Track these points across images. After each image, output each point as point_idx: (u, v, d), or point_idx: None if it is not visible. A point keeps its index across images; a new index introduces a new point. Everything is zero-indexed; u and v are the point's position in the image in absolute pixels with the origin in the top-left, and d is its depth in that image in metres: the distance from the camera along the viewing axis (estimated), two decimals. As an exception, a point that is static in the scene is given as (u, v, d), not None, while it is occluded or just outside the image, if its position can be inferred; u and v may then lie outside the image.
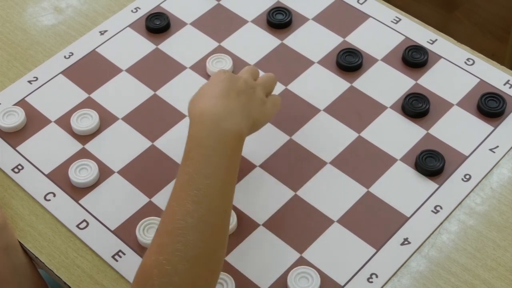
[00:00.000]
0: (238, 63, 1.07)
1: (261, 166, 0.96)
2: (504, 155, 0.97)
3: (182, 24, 1.12)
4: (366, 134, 0.99)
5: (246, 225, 0.91)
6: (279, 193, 0.94)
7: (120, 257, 0.89)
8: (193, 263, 0.73)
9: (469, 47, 1.09)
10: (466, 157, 0.97)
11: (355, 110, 1.02)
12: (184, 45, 1.10)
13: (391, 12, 1.13)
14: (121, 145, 0.99)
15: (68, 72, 1.07)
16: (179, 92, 1.04)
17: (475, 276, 0.87)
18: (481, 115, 1.01)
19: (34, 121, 1.01)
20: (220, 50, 1.09)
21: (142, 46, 1.10)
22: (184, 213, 0.75)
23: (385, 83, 1.05)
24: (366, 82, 1.05)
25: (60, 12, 1.15)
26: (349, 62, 1.06)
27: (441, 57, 1.08)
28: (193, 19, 1.13)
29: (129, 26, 1.12)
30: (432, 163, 0.95)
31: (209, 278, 0.76)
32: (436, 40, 1.10)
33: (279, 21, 1.11)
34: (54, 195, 0.94)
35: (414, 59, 1.06)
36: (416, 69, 1.06)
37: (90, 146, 0.98)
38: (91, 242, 0.90)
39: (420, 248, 0.89)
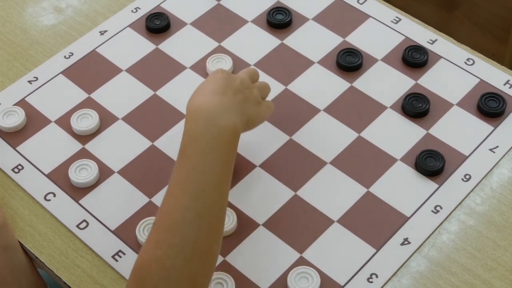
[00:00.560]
0: (238, 63, 1.07)
1: (261, 166, 0.96)
2: (504, 155, 0.97)
3: (182, 24, 1.12)
4: (366, 134, 0.99)
5: (246, 225, 0.91)
6: (279, 193, 0.94)
7: (120, 257, 0.89)
8: (190, 258, 0.74)
9: (469, 47, 1.09)
10: (466, 157, 0.97)
11: (355, 110, 1.02)
12: (184, 45, 1.10)
13: (391, 12, 1.13)
14: (121, 145, 0.99)
15: (68, 72, 1.07)
16: (179, 92, 1.04)
17: (475, 276, 0.87)
18: (481, 115, 1.01)
19: (34, 121, 1.01)
20: (220, 50, 1.09)
21: (142, 46, 1.10)
22: (181, 209, 0.76)
23: (385, 83, 1.05)
24: (366, 82, 1.05)
25: (60, 12, 1.15)
26: (349, 62, 1.06)
27: (441, 57, 1.08)
28: (193, 19, 1.13)
29: (129, 26, 1.12)
30: (432, 163, 0.95)
31: (205, 273, 0.77)
32: (436, 40, 1.10)
33: (279, 21, 1.11)
34: (54, 195, 0.94)
35: (414, 59, 1.06)
36: (416, 69, 1.06)
37: (90, 146, 0.98)
38: (91, 242, 0.90)
39: (420, 248, 0.89)
